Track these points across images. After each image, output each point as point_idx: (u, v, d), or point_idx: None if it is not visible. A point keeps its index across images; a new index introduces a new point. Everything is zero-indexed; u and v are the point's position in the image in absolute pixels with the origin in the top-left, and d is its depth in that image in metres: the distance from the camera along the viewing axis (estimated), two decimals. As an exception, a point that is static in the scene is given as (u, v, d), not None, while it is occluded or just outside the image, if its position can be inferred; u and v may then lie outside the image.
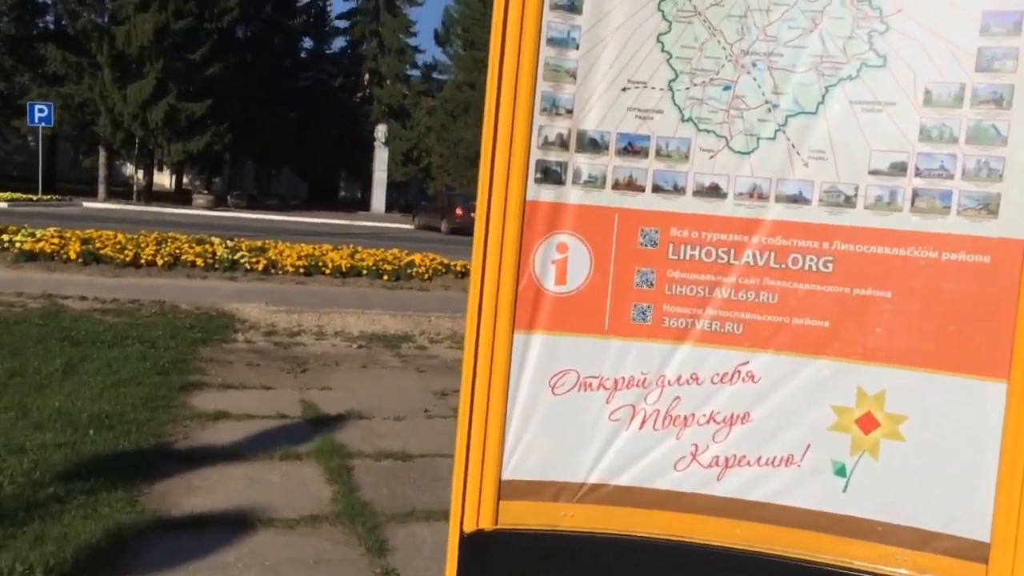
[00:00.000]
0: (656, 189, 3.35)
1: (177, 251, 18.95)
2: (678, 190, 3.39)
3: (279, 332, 13.66)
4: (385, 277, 20.51)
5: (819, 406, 3.13)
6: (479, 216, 3.66)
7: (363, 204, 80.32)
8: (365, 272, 20.66)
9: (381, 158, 77.21)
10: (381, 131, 76.01)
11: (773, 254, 3.24)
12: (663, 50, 3.33)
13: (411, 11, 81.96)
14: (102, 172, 63.09)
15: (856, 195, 3.23)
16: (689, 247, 3.38)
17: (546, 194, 3.35)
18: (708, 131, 3.34)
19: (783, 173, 3.24)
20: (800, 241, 3.24)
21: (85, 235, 19.33)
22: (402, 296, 18.13)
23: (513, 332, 3.29)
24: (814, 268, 3.20)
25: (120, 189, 68.89)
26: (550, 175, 3.37)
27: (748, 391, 3.21)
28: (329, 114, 74.00)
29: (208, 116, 58.27)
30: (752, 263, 3.24)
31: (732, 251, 3.33)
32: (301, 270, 19.89)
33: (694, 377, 3.27)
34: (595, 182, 3.40)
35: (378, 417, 9.22)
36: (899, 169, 3.11)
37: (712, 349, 3.28)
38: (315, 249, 21.53)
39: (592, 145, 3.37)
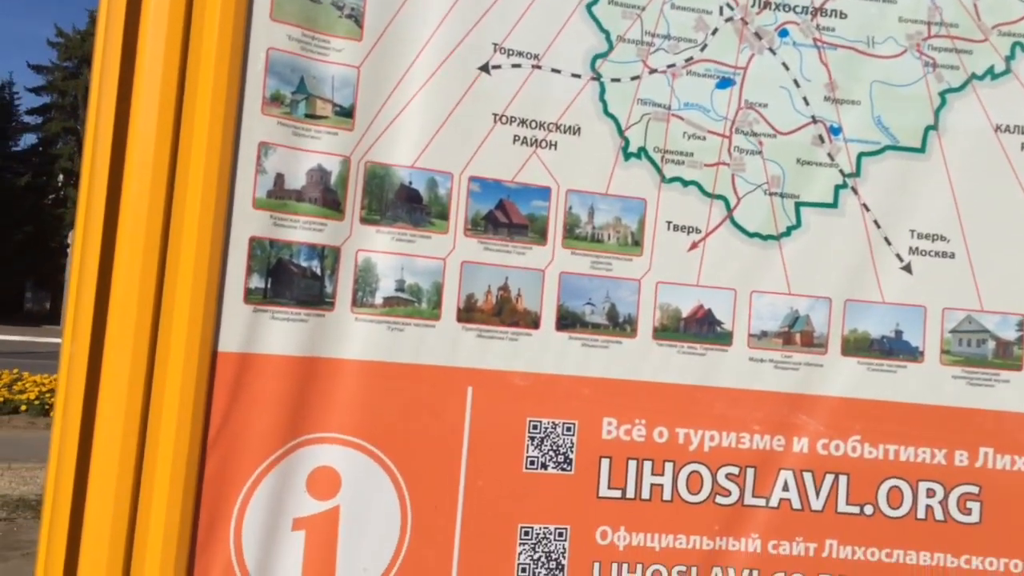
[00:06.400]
0: (568, 321, 1.60)
1: None
2: (619, 325, 1.60)
3: None
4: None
5: None
6: (60, 398, 1.28)
7: (53, 317, 71.04)
8: (25, 407, 16.25)
9: (76, 267, 69.52)
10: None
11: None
12: (580, -20, 1.65)
13: (117, 110, 76.08)
14: None
15: None
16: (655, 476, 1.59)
17: (274, 336, 1.46)
18: (686, 182, 1.63)
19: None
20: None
21: None
22: (73, 441, 14.09)
23: None
24: None
25: None
26: (285, 282, 1.48)
27: None
28: (13, 217, 65.69)
29: None
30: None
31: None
32: (-74, 409, 15.05)
33: None
34: (414, 303, 1.54)
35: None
36: None
37: None
38: (-43, 377, 16.68)
39: (404, 204, 1.55)
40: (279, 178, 1.44)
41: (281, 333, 1.43)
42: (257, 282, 1.41)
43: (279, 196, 1.43)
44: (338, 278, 1.48)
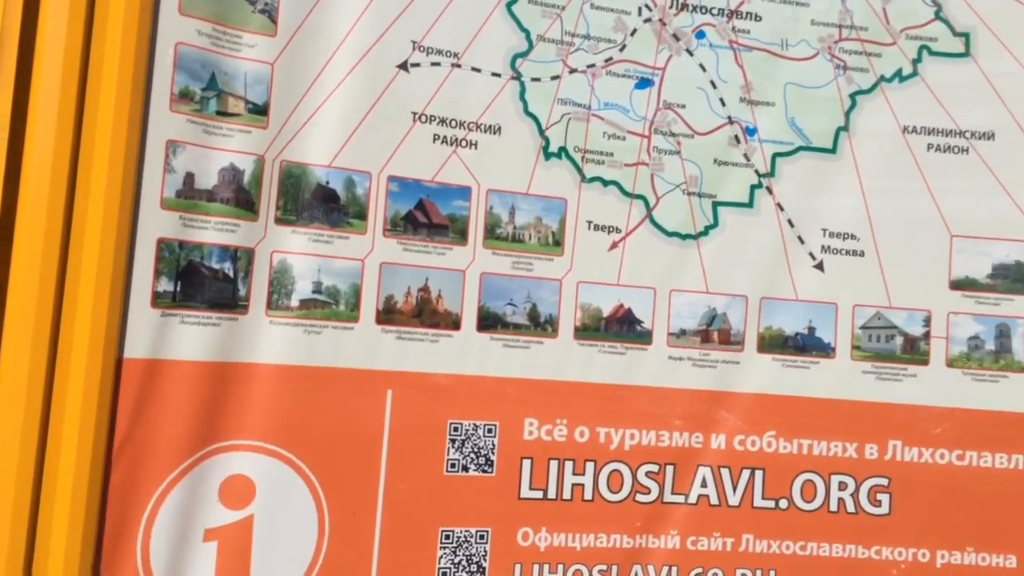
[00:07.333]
0: (489, 322, 1.59)
1: None
2: (541, 325, 1.61)
3: None
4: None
5: None
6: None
7: None
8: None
9: None
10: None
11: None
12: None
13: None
14: None
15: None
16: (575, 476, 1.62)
17: (184, 342, 1.41)
18: (606, 182, 1.64)
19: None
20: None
21: None
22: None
23: None
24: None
25: None
26: (195, 284, 1.42)
27: None
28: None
29: None
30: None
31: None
32: None
33: None
34: (332, 305, 1.51)
35: None
36: None
37: None
38: None
39: (321, 204, 1.51)
40: (189, 177, 1.38)
41: (192, 338, 1.37)
42: (165, 285, 1.36)
43: (189, 196, 1.38)
44: (252, 280, 1.42)
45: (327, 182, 1.49)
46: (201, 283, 1.40)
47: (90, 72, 1.33)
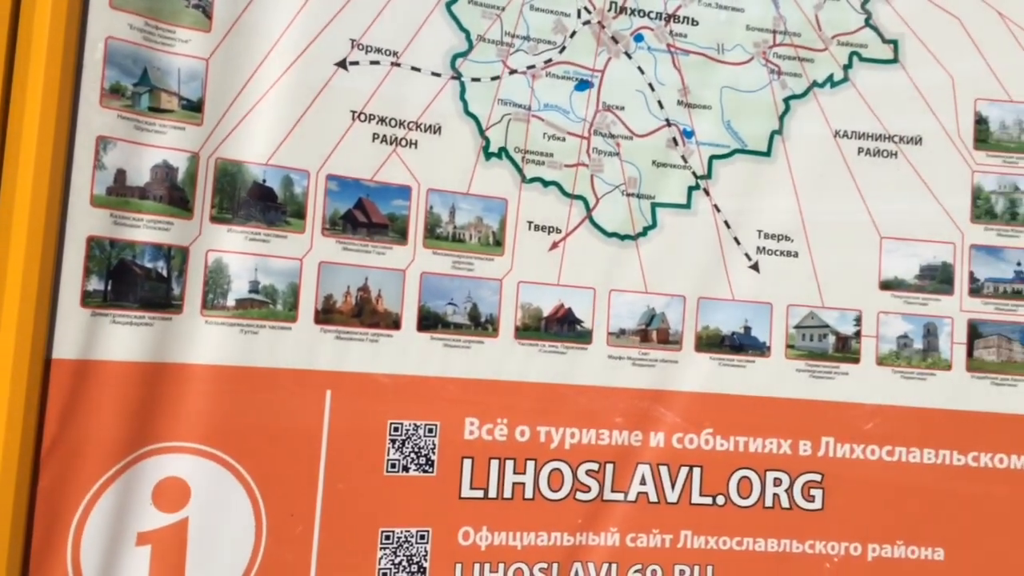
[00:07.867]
0: (430, 322, 1.58)
1: None
2: (481, 325, 1.61)
3: None
4: None
5: None
6: None
7: None
8: None
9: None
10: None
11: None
12: (438, -22, 1.70)
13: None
14: None
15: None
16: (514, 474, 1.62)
17: (115, 342, 1.38)
18: (546, 182, 1.64)
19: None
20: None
21: None
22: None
23: None
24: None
25: None
26: (128, 283, 1.39)
27: None
28: None
29: None
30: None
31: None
32: None
33: None
34: (269, 305, 1.50)
35: None
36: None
37: None
38: None
39: (258, 202, 1.49)
40: (120, 174, 1.35)
41: (123, 338, 1.34)
42: (96, 284, 1.32)
43: (120, 193, 1.35)
44: (187, 279, 1.40)
45: (264, 180, 1.46)
46: (133, 282, 1.37)
47: (16, 66, 1.29)
